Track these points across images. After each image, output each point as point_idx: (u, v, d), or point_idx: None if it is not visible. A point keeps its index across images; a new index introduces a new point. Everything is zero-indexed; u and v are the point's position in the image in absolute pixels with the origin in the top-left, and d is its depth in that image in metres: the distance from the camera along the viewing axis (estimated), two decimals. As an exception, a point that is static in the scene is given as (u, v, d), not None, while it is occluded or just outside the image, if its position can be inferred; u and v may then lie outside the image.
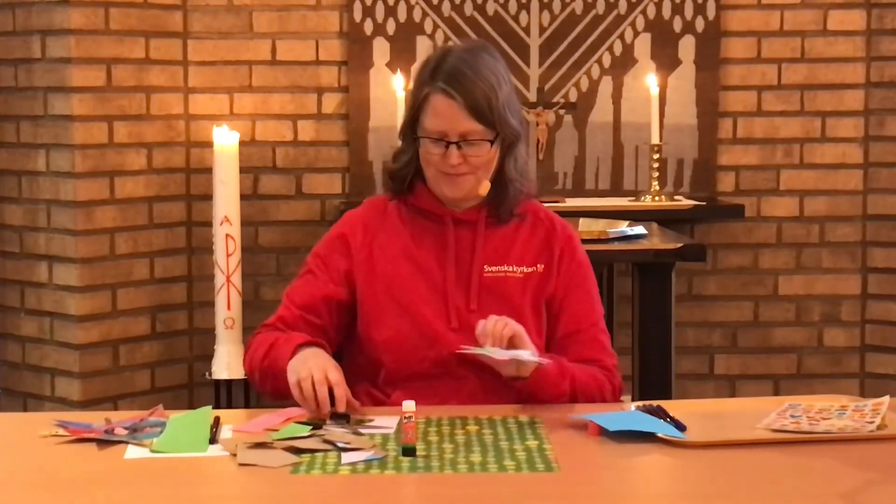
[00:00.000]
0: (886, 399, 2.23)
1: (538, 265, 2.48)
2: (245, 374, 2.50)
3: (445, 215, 2.47)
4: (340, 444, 2.07)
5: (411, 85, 2.51)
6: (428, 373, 2.39)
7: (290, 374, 2.27)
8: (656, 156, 4.50)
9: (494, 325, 2.27)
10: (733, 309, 4.78)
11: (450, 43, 2.48)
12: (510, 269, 2.47)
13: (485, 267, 2.46)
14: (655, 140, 4.49)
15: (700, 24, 4.67)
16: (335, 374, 2.24)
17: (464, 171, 2.41)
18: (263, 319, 4.86)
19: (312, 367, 2.24)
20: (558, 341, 2.48)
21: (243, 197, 4.45)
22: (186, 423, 2.20)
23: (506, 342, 2.27)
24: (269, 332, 2.47)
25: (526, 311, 2.45)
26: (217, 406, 4.31)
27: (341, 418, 2.21)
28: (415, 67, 2.57)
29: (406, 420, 2.03)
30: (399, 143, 2.51)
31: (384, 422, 2.23)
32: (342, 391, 2.22)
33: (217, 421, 2.19)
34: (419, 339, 2.41)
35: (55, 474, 1.99)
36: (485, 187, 2.45)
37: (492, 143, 2.41)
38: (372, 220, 2.52)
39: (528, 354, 2.26)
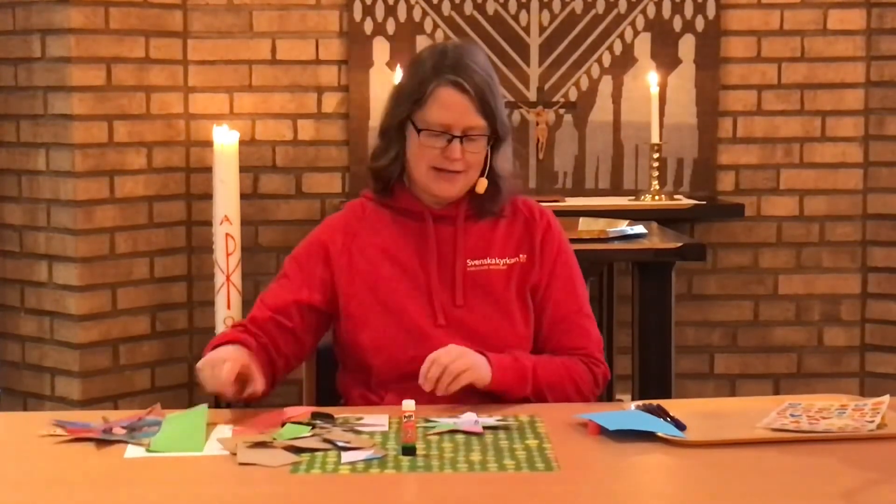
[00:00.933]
0: (886, 398, 2.23)
1: (520, 255, 2.49)
2: None
3: (425, 212, 2.48)
4: (340, 444, 2.07)
5: (404, 80, 2.50)
6: (417, 372, 2.38)
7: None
8: (656, 155, 4.50)
9: (441, 380, 2.25)
10: (733, 308, 4.78)
11: (439, 42, 2.50)
12: (493, 261, 2.47)
13: (467, 261, 2.47)
14: (655, 139, 4.49)
15: (700, 24, 4.67)
16: (229, 355, 2.26)
17: (459, 169, 2.42)
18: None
19: (207, 359, 2.29)
20: (545, 330, 2.48)
21: (243, 196, 4.45)
22: (182, 422, 2.20)
23: (456, 388, 2.26)
24: (235, 331, 2.47)
25: (512, 302, 2.46)
26: (216, 405, 4.30)
27: (326, 418, 2.22)
28: (408, 64, 2.55)
29: (406, 419, 2.03)
30: (378, 141, 2.52)
31: (374, 419, 2.23)
32: (228, 369, 2.23)
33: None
34: (406, 339, 2.42)
35: (55, 474, 1.99)
36: (481, 184, 2.46)
37: (489, 139, 2.42)
38: (350, 223, 2.52)
39: (468, 423, 2.20)
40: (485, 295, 2.45)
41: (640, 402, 2.27)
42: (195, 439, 2.11)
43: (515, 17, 4.68)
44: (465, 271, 2.46)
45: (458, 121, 2.39)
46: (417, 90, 2.42)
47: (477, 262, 2.47)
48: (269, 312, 2.47)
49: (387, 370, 2.42)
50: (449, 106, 2.39)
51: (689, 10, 4.67)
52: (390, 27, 4.66)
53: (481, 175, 2.46)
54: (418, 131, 2.42)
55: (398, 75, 4.51)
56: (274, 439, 2.09)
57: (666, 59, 4.68)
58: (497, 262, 2.47)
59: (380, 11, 4.65)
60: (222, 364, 2.24)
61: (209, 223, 4.44)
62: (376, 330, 2.43)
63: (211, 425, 2.19)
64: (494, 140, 2.45)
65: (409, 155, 2.45)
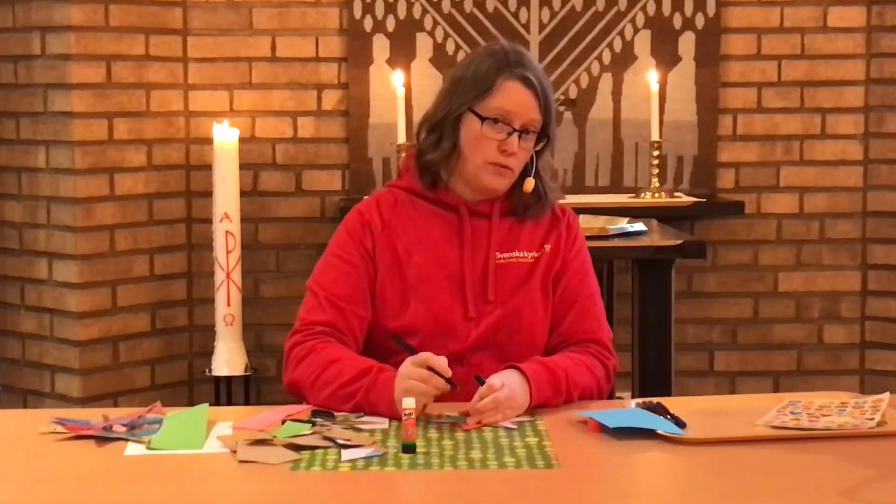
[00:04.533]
0: (886, 396, 2.24)
1: (545, 246, 2.52)
2: (291, 382, 2.39)
3: (461, 206, 2.49)
4: (340, 441, 2.07)
5: (466, 74, 2.46)
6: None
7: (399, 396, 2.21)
8: (656, 152, 4.50)
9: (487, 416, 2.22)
10: (733, 305, 4.78)
11: (492, 43, 2.52)
12: (521, 254, 2.50)
13: (496, 254, 2.49)
14: (655, 137, 4.49)
15: (700, 21, 4.67)
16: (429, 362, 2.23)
17: (513, 165, 2.44)
18: (263, 316, 4.88)
19: (407, 385, 2.21)
20: (559, 316, 2.50)
21: (243, 193, 4.45)
22: (183, 420, 2.20)
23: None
24: (328, 342, 2.40)
25: (535, 291, 2.49)
26: (217, 403, 4.32)
27: (326, 416, 2.22)
28: (465, 61, 2.51)
29: (406, 417, 2.03)
30: (426, 136, 2.51)
31: (374, 417, 2.24)
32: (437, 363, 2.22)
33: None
34: (433, 329, 2.42)
35: (55, 471, 1.99)
36: (529, 183, 2.48)
37: (538, 138, 2.46)
38: (385, 209, 2.52)
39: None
40: (513, 287, 2.48)
41: (641, 400, 2.28)
42: (195, 437, 2.11)
43: (515, 15, 4.68)
44: (496, 265, 2.48)
45: (522, 113, 2.42)
46: (483, 82, 2.43)
47: (505, 255, 2.50)
48: (347, 306, 2.43)
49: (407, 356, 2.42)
50: (516, 99, 2.42)
51: (689, 7, 4.67)
52: (390, 24, 4.66)
53: (525, 175, 2.48)
54: (482, 120, 2.42)
55: (397, 76, 4.50)
56: (274, 437, 2.09)
57: (666, 56, 4.68)
58: (525, 255, 2.51)
59: (380, 9, 4.65)
60: (427, 373, 2.20)
61: (209, 220, 4.44)
62: (406, 318, 2.44)
63: (211, 423, 2.19)
64: (544, 141, 2.48)
65: (465, 147, 2.45)
